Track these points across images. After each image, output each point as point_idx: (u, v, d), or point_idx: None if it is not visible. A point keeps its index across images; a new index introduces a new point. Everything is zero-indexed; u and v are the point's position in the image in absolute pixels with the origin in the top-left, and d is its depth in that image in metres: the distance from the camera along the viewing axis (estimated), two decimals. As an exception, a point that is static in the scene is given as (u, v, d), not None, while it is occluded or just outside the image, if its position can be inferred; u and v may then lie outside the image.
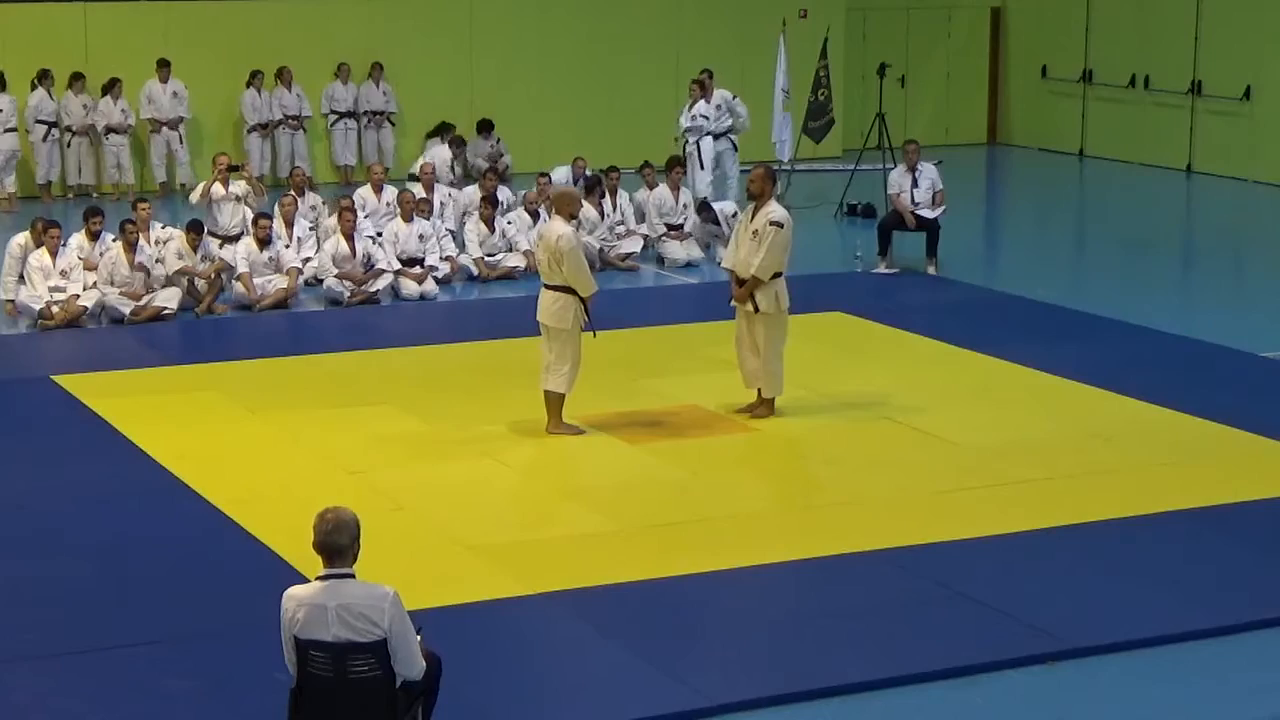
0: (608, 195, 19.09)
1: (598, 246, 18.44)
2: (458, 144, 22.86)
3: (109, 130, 22.75)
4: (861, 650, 8.86)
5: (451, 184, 21.10)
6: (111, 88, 22.68)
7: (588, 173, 19.90)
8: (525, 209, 18.71)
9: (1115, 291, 17.60)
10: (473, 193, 19.29)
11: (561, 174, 20.14)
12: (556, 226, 12.38)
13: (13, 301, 16.22)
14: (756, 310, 12.72)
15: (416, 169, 20.76)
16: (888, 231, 18.50)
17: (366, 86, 24.27)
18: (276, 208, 17.85)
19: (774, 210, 12.74)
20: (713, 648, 8.98)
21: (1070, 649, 8.82)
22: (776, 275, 12.76)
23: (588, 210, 18.62)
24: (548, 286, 12.42)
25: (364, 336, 15.76)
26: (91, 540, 10.44)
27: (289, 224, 17.65)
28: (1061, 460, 11.93)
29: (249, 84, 23.50)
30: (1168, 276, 19.82)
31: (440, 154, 22.33)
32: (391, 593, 6.79)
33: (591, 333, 12.49)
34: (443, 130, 23.31)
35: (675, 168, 19.59)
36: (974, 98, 28.89)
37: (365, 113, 24.32)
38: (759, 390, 12.92)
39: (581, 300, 12.35)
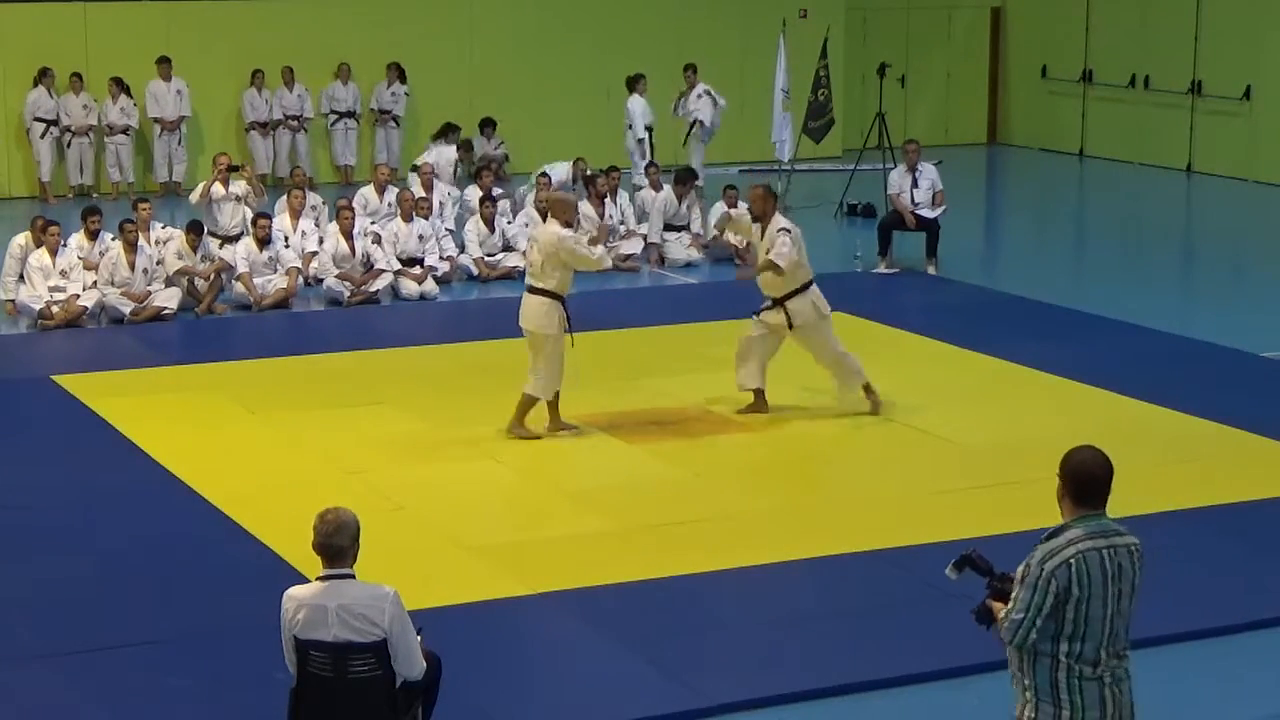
0: (607, 195, 19.06)
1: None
2: (466, 147, 22.72)
3: (122, 129, 22.73)
4: (861, 650, 8.87)
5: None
6: (122, 87, 22.66)
7: (587, 171, 19.88)
8: (535, 208, 18.65)
9: (1115, 291, 17.59)
10: (472, 192, 19.23)
11: (562, 170, 20.12)
12: (553, 229, 12.33)
13: (13, 301, 16.22)
14: (791, 326, 12.73)
15: (419, 162, 20.75)
16: (888, 231, 18.50)
17: (379, 86, 24.22)
18: (284, 202, 17.91)
19: (779, 221, 12.81)
20: (713, 648, 8.98)
21: (1070, 649, 8.80)
22: (808, 285, 12.78)
23: (587, 210, 18.60)
24: (532, 290, 12.34)
25: (364, 336, 15.75)
26: (91, 540, 10.45)
27: (296, 215, 17.66)
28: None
29: (251, 83, 23.49)
30: (1167, 276, 19.81)
31: (445, 154, 22.28)
32: (392, 593, 6.79)
33: (569, 337, 12.34)
34: (447, 131, 23.26)
35: (686, 180, 19.52)
36: (974, 98, 28.87)
37: (375, 110, 24.30)
38: (757, 390, 12.93)
39: (563, 304, 12.26)
